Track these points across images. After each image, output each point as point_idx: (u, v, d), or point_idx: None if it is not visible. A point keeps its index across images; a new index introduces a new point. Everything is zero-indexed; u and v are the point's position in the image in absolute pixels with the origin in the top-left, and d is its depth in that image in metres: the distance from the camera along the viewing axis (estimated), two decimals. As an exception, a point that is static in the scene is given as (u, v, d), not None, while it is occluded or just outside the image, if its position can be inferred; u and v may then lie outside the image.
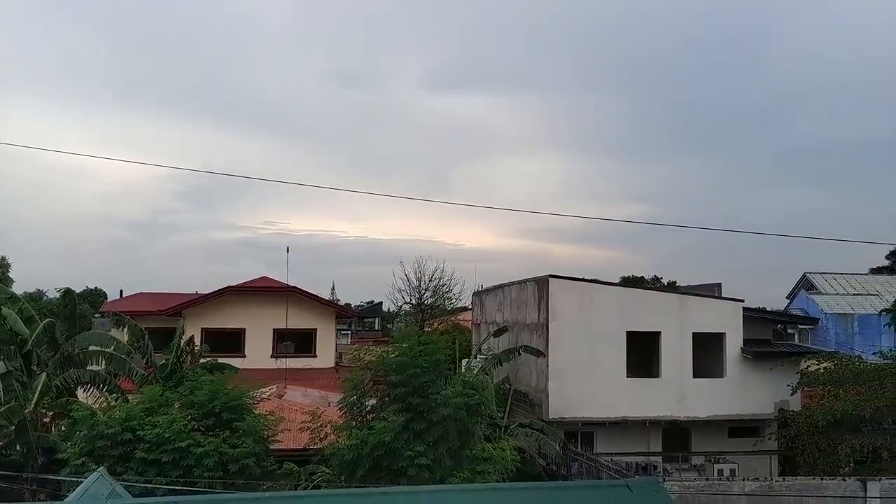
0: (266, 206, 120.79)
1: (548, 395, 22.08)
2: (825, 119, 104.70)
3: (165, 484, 13.48)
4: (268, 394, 21.61)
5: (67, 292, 22.36)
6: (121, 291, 44.86)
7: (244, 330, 30.91)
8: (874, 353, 24.24)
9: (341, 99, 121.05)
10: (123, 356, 19.95)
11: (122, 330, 22.31)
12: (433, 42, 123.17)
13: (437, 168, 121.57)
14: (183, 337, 21.65)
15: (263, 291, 31.55)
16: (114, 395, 19.16)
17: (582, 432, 22.79)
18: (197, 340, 25.55)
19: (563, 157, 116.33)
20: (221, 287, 32.11)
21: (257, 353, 29.69)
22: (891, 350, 24.31)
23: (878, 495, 16.53)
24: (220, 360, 21.62)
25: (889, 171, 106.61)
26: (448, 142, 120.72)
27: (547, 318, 22.47)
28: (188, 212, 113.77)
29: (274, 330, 30.71)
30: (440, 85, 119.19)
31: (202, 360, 21.40)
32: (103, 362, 19.89)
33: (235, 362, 25.36)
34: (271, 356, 30.16)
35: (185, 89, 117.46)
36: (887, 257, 57.05)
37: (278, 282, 31.87)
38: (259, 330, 30.57)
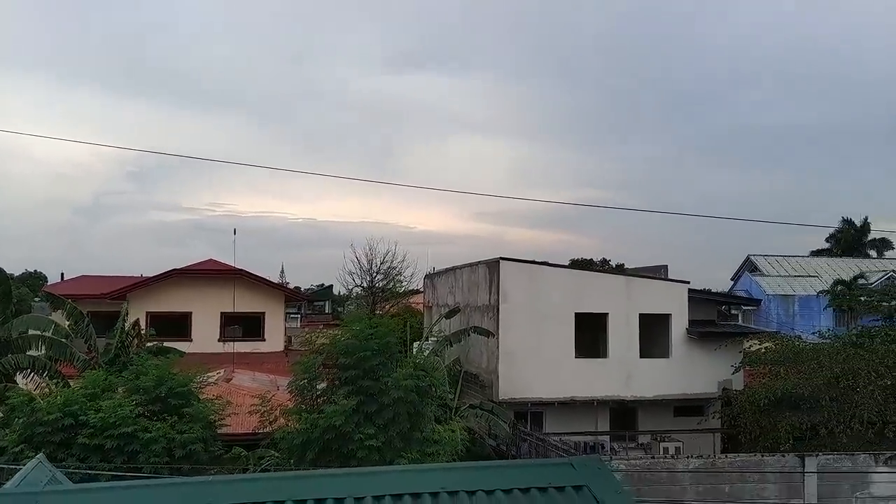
0: (213, 188, 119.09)
1: (498, 376, 22.24)
2: (765, 104, 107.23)
3: (109, 470, 13.21)
4: (215, 378, 21.30)
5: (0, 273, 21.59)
6: (62, 274, 43.72)
7: (190, 314, 30.39)
8: (813, 333, 25.05)
9: (291, 78, 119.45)
10: (64, 340, 19.41)
11: (63, 314, 21.68)
12: (383, 22, 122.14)
13: (389, 150, 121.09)
14: (127, 321, 21.16)
15: (210, 274, 31.02)
16: (54, 380, 18.64)
17: (531, 412, 23.04)
18: (142, 324, 25.02)
19: (514, 141, 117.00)
20: (167, 270, 31.50)
21: (204, 337, 29.22)
22: (829, 330, 25.11)
23: (815, 470, 17.08)
24: (166, 344, 21.22)
25: (830, 156, 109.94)
26: (400, 123, 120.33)
27: (497, 300, 22.60)
28: (133, 193, 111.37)
29: (221, 313, 30.27)
30: (392, 65, 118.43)
31: (147, 345, 20.97)
32: (43, 347, 19.32)
33: (182, 346, 24.90)
34: (219, 340, 29.70)
35: (125, 67, 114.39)
36: (827, 240, 58.95)
37: (225, 264, 31.36)
38: (206, 314, 30.10)
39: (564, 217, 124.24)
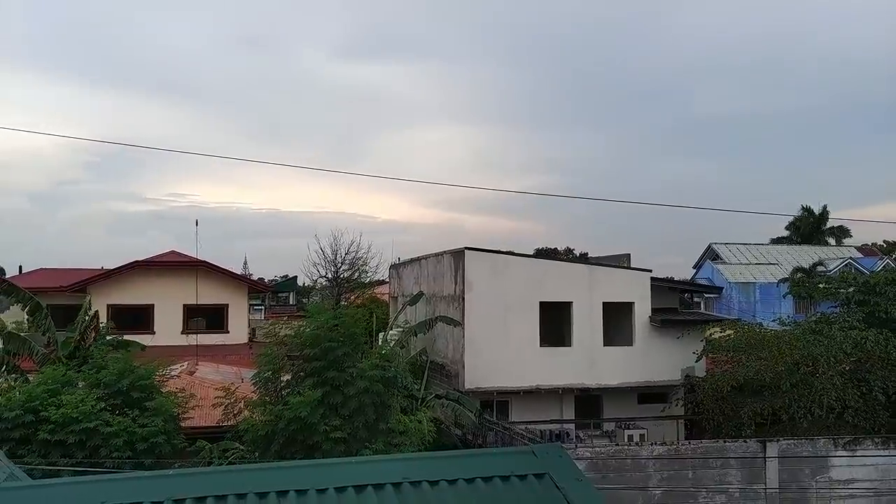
0: (174, 178, 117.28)
1: (464, 365, 22.29)
2: (727, 93, 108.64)
3: (70, 465, 12.99)
4: (178, 371, 21.07)
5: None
6: (20, 267, 42.80)
7: (153, 306, 29.97)
8: (774, 320, 25.41)
9: (252, 66, 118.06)
10: (22, 334, 18.99)
11: (21, 307, 21.19)
12: (342, 8, 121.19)
13: (351, 138, 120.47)
14: (88, 314, 20.76)
15: (172, 266, 30.61)
16: (13, 375, 18.23)
17: (497, 401, 23.14)
18: (103, 317, 24.61)
19: (476, 128, 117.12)
20: (128, 262, 31.00)
21: (167, 330, 28.86)
22: (789, 317, 25.53)
23: (777, 455, 17.43)
24: (129, 337, 20.88)
25: (790, 145, 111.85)
26: (361, 111, 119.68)
27: (463, 290, 22.61)
28: (93, 182, 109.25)
29: (184, 306, 29.90)
30: (350, 53, 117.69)
31: (108, 338, 20.61)
32: (0, 341, 18.87)
33: (144, 339, 24.57)
34: (182, 332, 29.36)
35: (83, 54, 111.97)
36: (787, 228, 59.98)
37: (188, 256, 30.98)
38: (168, 306, 29.70)
39: (528, 205, 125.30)
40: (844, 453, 17.51)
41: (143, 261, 31.03)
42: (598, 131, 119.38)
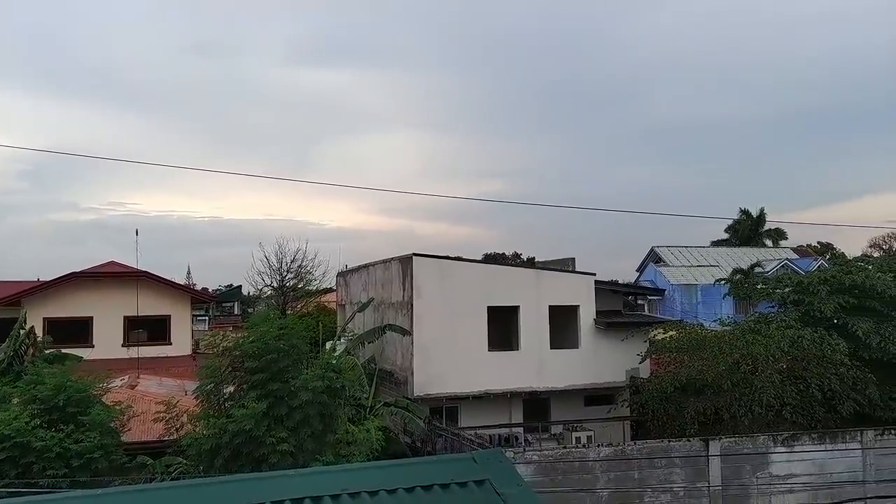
0: (115, 186, 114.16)
1: (413, 372, 22.21)
2: (670, 100, 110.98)
3: (2, 485, 12.51)
4: (119, 384, 20.53)
5: None
6: (-50, 281, 41.07)
7: (92, 318, 29.09)
8: (714, 321, 25.95)
9: (197, 71, 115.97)
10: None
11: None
12: (291, 14, 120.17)
13: (299, 145, 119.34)
14: (23, 328, 20.08)
15: (112, 277, 29.78)
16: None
17: (446, 407, 23.12)
18: (39, 331, 23.82)
19: (425, 135, 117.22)
20: (66, 273, 30.06)
21: (107, 343, 28.07)
22: (729, 317, 26.11)
23: (719, 453, 17.79)
24: (66, 350, 20.27)
25: (729, 150, 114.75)
26: (309, 117, 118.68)
27: (411, 297, 22.56)
28: (27, 193, 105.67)
29: (125, 317, 29.11)
30: (300, 59, 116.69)
31: (46, 352, 19.98)
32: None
33: (83, 353, 23.89)
34: (122, 345, 28.59)
35: (16, 58, 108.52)
36: (726, 230, 61.49)
37: (128, 266, 30.20)
38: (108, 318, 28.89)
39: (475, 211, 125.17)
40: (783, 449, 17.97)
41: (81, 272, 30.12)
42: (549, 138, 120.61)
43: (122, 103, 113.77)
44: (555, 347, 23.73)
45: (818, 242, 63.07)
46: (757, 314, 24.52)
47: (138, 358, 25.17)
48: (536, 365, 23.31)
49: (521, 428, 23.55)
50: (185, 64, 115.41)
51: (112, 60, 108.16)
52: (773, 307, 24.94)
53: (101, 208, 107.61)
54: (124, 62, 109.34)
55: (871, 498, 17.21)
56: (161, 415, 15.37)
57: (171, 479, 13.98)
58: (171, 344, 29.82)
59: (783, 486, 17.66)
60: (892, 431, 18.82)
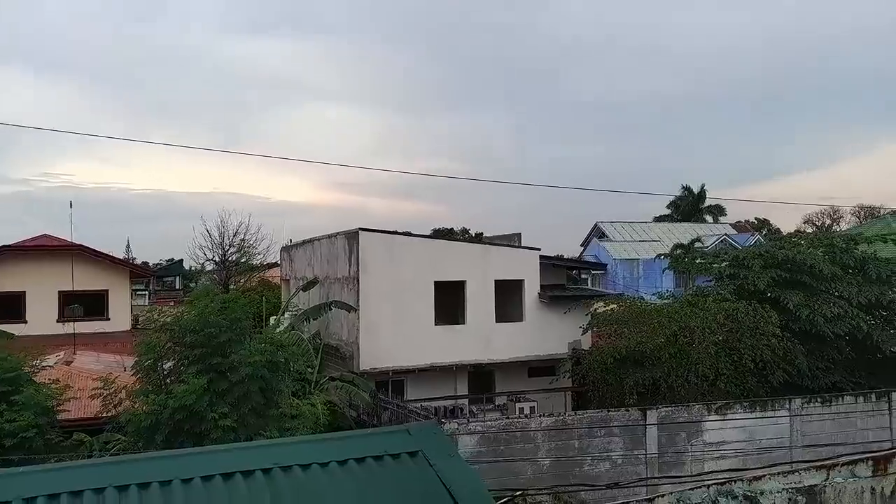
0: (47, 157, 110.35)
1: (358, 347, 22.21)
2: (617, 77, 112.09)
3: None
4: (54, 361, 20.01)
5: None
6: None
7: (24, 293, 28.26)
8: (653, 294, 26.53)
9: (132, 40, 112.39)
10: None
11: None
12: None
13: (244, 118, 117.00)
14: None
15: (44, 250, 28.90)
16: None
17: (393, 381, 23.22)
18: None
19: (375, 110, 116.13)
20: (-6, 248, 29.07)
21: (41, 319, 27.32)
22: (668, 291, 26.73)
23: (656, 422, 18.29)
24: (-3, 327, 19.66)
25: (671, 127, 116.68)
26: (255, 90, 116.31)
27: (358, 272, 22.47)
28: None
29: (59, 292, 28.34)
30: (241, 28, 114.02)
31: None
32: None
33: (16, 329, 23.24)
34: (58, 321, 27.84)
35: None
36: (668, 206, 62.72)
37: (62, 240, 29.34)
38: (42, 293, 28.07)
39: (425, 187, 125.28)
40: (717, 418, 18.57)
41: (10, 245, 29.16)
42: (494, 115, 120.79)
43: (56, 73, 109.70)
44: (500, 321, 24.00)
45: (756, 218, 64.93)
46: (695, 288, 25.15)
47: (74, 334, 24.53)
48: (482, 338, 23.54)
49: (466, 400, 23.82)
50: (119, 32, 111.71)
51: (34, 26, 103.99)
52: (710, 281, 25.59)
53: (31, 179, 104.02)
54: (47, 28, 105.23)
55: (796, 462, 17.92)
56: (98, 391, 15.05)
57: (111, 456, 13.76)
58: (108, 319, 29.17)
59: (716, 452, 18.27)
60: (818, 399, 19.61)
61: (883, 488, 7.92)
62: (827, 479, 7.59)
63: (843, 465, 7.74)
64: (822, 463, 7.57)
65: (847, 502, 7.61)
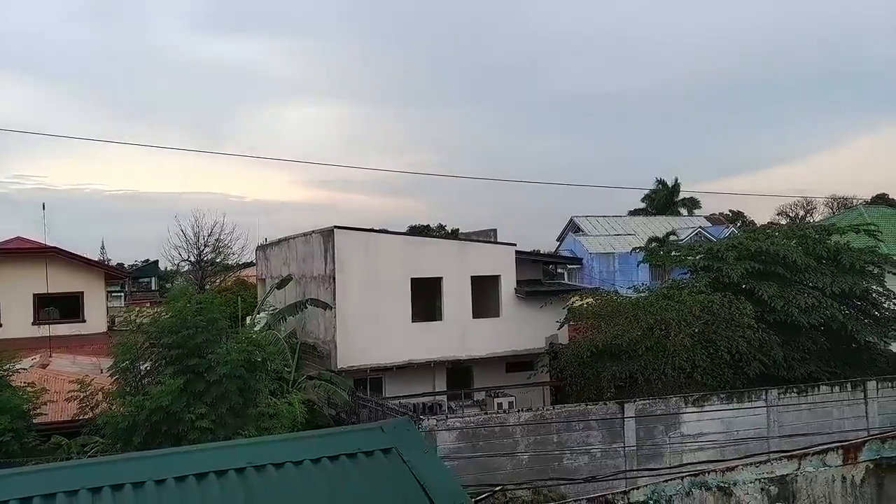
0: (19, 159, 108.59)
1: (336, 345, 22.19)
2: (593, 71, 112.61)
3: None
4: (30, 364, 19.83)
5: None
6: None
7: (-3, 297, 27.94)
8: (629, 288, 26.71)
9: (103, 39, 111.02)
10: None
11: None
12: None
13: (216, 117, 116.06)
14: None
15: (18, 253, 28.57)
16: None
17: (371, 379, 23.24)
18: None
19: (350, 107, 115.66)
20: (-34, 251, 28.66)
21: (15, 322, 27.00)
22: (643, 284, 26.93)
23: (634, 415, 18.47)
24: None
25: (644, 121, 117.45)
26: (227, 89, 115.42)
27: (334, 270, 22.45)
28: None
29: (34, 295, 28.01)
30: (214, 27, 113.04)
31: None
32: None
33: (-10, 333, 22.94)
34: (33, 324, 27.54)
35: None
36: (643, 200, 63.14)
37: (36, 242, 29.02)
38: (16, 296, 27.72)
39: (402, 184, 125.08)
40: (694, 409, 18.78)
41: (-18, 249, 28.80)
42: (468, 112, 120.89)
43: (23, 73, 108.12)
44: (477, 317, 24.09)
45: (730, 211, 65.65)
46: (671, 281, 25.34)
47: (50, 337, 24.29)
48: (459, 334, 23.61)
49: (445, 396, 23.89)
50: (91, 31, 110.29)
51: (9, 27, 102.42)
52: (685, 274, 25.80)
53: (4, 182, 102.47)
54: (16, 27, 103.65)
55: (773, 452, 18.19)
56: (75, 393, 14.94)
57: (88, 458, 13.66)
58: (84, 321, 28.88)
59: (694, 444, 18.48)
60: (794, 390, 19.88)
61: (853, 476, 8.06)
62: (798, 468, 7.70)
63: (813, 454, 7.87)
64: (793, 453, 7.69)
65: (819, 491, 7.73)
